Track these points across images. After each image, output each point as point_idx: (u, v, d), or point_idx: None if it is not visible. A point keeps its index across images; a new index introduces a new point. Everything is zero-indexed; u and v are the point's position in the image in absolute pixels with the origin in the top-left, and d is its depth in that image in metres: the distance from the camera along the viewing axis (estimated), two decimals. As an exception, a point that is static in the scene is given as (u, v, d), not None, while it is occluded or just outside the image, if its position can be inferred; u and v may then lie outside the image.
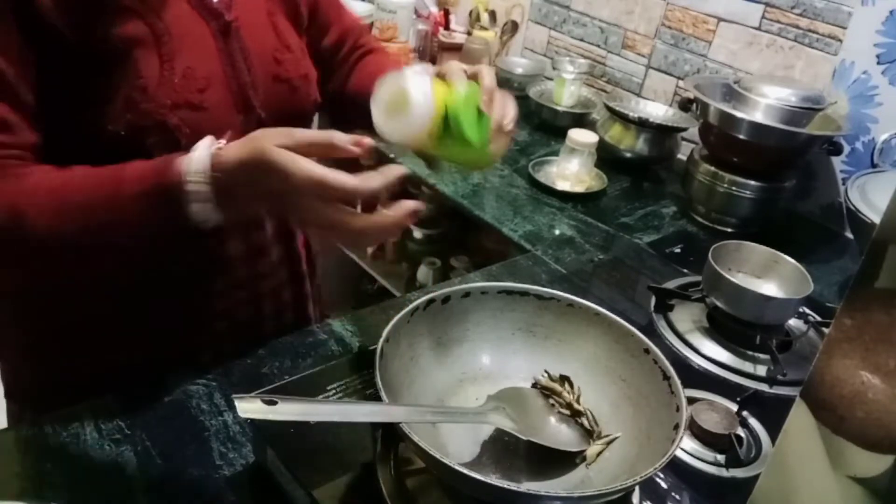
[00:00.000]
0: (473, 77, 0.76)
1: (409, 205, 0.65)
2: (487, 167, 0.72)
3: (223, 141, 0.66)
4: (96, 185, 0.67)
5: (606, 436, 0.69)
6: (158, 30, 0.71)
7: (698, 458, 0.79)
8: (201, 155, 0.64)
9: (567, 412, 0.70)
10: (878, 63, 1.32)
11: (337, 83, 0.99)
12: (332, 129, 0.70)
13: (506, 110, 0.76)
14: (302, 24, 0.90)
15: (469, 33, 1.96)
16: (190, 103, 0.73)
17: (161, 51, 0.71)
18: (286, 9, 0.88)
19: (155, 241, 0.74)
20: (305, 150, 0.62)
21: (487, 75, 0.77)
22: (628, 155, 1.55)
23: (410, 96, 0.67)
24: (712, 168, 1.35)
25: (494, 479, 0.62)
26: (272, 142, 0.62)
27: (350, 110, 0.96)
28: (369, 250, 1.91)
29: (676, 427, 0.62)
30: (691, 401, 0.83)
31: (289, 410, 0.56)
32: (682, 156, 1.53)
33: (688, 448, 0.80)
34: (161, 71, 0.71)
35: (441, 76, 0.74)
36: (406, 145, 0.73)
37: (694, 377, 0.94)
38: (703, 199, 1.38)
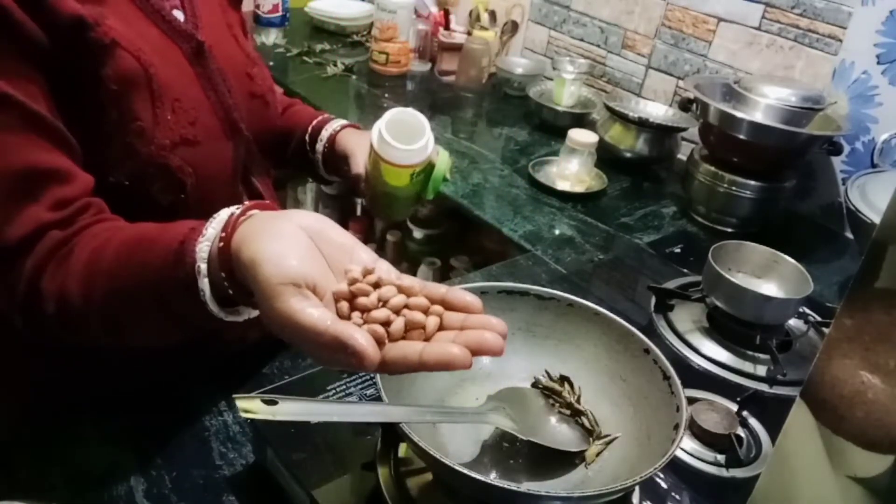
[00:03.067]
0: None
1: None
2: (401, 219, 0.81)
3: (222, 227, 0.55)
4: (126, 263, 0.59)
5: (606, 436, 0.69)
6: (145, 63, 0.67)
7: (698, 458, 0.79)
8: (210, 250, 0.55)
9: (567, 412, 0.70)
10: (878, 63, 1.32)
11: None
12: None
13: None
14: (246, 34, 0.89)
15: (469, 33, 1.96)
16: (185, 139, 0.70)
17: (151, 86, 0.67)
18: (237, 19, 0.86)
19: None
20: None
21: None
22: (628, 155, 1.55)
23: (426, 132, 0.80)
24: (712, 168, 1.35)
25: (494, 479, 0.62)
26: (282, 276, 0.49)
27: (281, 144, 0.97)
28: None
29: (676, 427, 0.62)
30: (691, 401, 0.83)
31: (289, 410, 0.56)
32: (682, 156, 1.53)
33: (688, 448, 0.80)
34: (154, 109, 0.67)
35: None
36: (385, 170, 0.82)
37: (694, 377, 0.94)
38: (703, 199, 1.38)
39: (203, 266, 0.54)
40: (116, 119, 0.66)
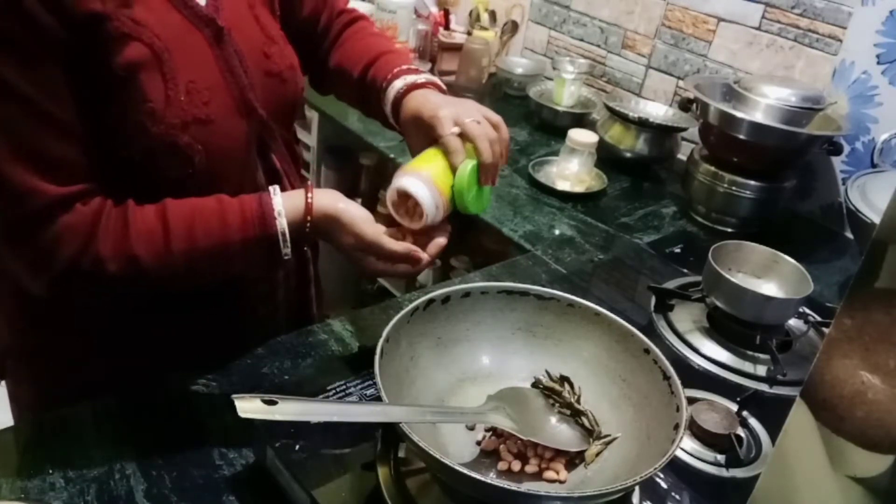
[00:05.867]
0: (472, 140, 0.79)
1: (440, 242, 0.79)
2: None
3: (310, 193, 0.75)
4: (204, 232, 0.73)
5: (606, 436, 0.69)
6: (158, 48, 0.71)
7: (698, 458, 0.79)
8: (294, 207, 0.75)
9: (567, 412, 0.70)
10: (878, 63, 1.32)
11: (320, 56, 0.99)
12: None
13: (498, 161, 0.81)
14: (275, 8, 0.89)
15: (469, 33, 1.96)
16: (197, 119, 0.73)
17: (163, 69, 0.71)
18: None
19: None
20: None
21: (482, 142, 0.79)
22: (628, 155, 1.55)
23: (423, 206, 0.75)
24: (712, 168, 1.35)
25: (494, 479, 0.62)
26: (351, 213, 0.76)
27: (335, 86, 1.00)
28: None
29: (676, 427, 0.62)
30: (691, 401, 0.83)
31: (289, 410, 0.56)
32: (682, 156, 1.53)
33: (688, 448, 0.80)
34: (166, 91, 0.71)
35: (442, 146, 0.80)
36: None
37: (694, 377, 0.94)
38: (703, 199, 1.38)
39: (291, 228, 0.74)
40: (127, 101, 0.70)
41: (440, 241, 0.79)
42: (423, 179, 0.76)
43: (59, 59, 0.66)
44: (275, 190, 0.76)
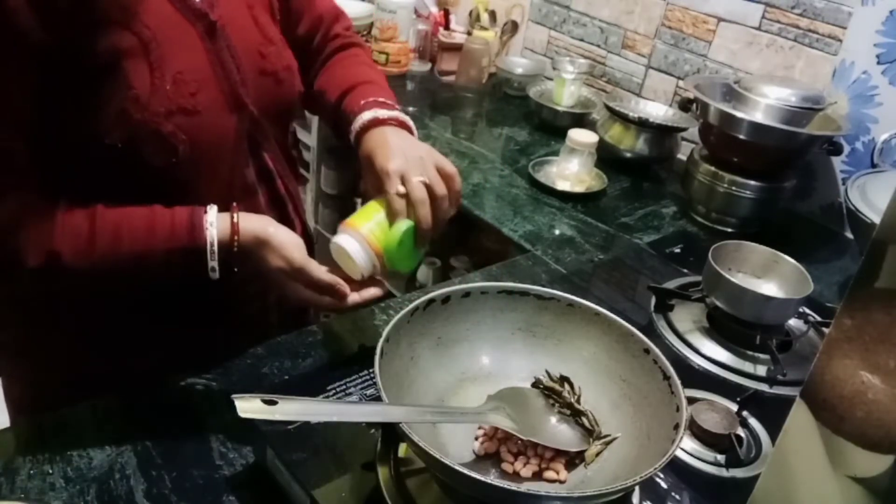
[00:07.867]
0: (412, 204, 0.78)
1: (373, 293, 0.80)
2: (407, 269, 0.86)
3: (235, 214, 0.75)
4: (130, 238, 0.72)
5: (606, 436, 0.69)
6: (145, 38, 0.71)
7: (698, 458, 0.79)
8: (222, 226, 0.74)
9: (567, 412, 0.70)
10: (878, 63, 1.32)
11: (309, 76, 0.99)
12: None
13: (433, 226, 0.79)
14: (275, 14, 0.90)
15: (469, 33, 1.96)
16: (183, 108, 0.73)
17: (150, 58, 0.71)
18: (263, 1, 0.88)
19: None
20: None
21: (421, 209, 0.78)
22: (628, 155, 1.55)
23: (354, 260, 0.77)
24: (712, 168, 1.35)
25: (494, 479, 0.62)
26: (282, 238, 0.76)
27: (317, 108, 1.00)
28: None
29: (676, 427, 0.62)
30: (691, 401, 0.83)
31: (289, 410, 0.56)
32: (682, 156, 1.53)
33: (688, 448, 0.80)
34: (152, 79, 0.71)
35: (385, 203, 0.80)
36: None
37: (694, 377, 0.94)
38: (703, 199, 1.38)
39: (217, 244, 0.73)
40: (111, 87, 0.70)
41: (374, 291, 0.80)
42: (358, 238, 0.78)
43: (30, 58, 0.66)
44: (211, 207, 0.76)
